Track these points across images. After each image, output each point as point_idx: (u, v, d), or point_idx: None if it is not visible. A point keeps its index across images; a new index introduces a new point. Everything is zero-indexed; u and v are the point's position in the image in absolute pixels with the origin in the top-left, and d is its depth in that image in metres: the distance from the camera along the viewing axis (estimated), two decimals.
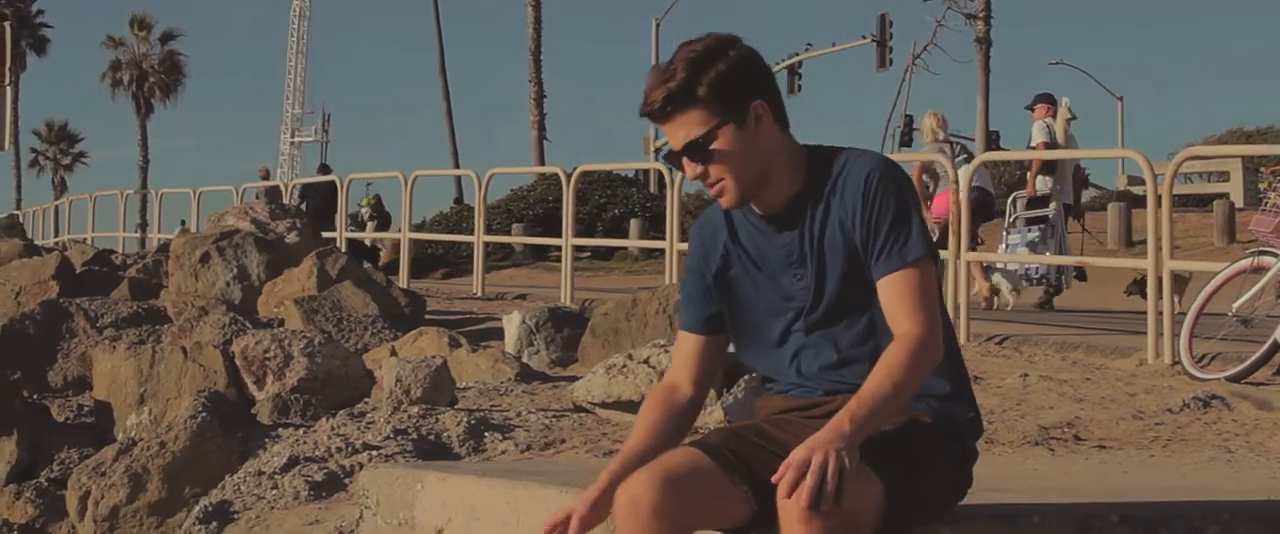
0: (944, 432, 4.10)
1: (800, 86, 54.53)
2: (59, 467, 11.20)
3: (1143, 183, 12.82)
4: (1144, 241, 11.70)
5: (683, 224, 16.14)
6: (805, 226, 4.06)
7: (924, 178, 17.04)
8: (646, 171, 42.36)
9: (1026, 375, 9.89)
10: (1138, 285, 16.54)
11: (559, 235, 19.18)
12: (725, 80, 3.97)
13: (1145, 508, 4.83)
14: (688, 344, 4.26)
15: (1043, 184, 16.93)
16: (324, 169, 34.42)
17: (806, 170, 4.07)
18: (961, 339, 11.98)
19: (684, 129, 4.00)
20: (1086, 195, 43.14)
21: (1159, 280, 10.86)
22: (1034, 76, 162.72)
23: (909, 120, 49.77)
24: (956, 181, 13.54)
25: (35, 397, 13.22)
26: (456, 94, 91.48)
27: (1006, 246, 16.81)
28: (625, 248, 31.43)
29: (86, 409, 12.72)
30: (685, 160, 4.04)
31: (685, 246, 4.19)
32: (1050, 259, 16.57)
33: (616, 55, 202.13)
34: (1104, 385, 9.62)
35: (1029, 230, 16.70)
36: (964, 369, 4.26)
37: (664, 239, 17.13)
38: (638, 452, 4.11)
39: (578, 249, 19.68)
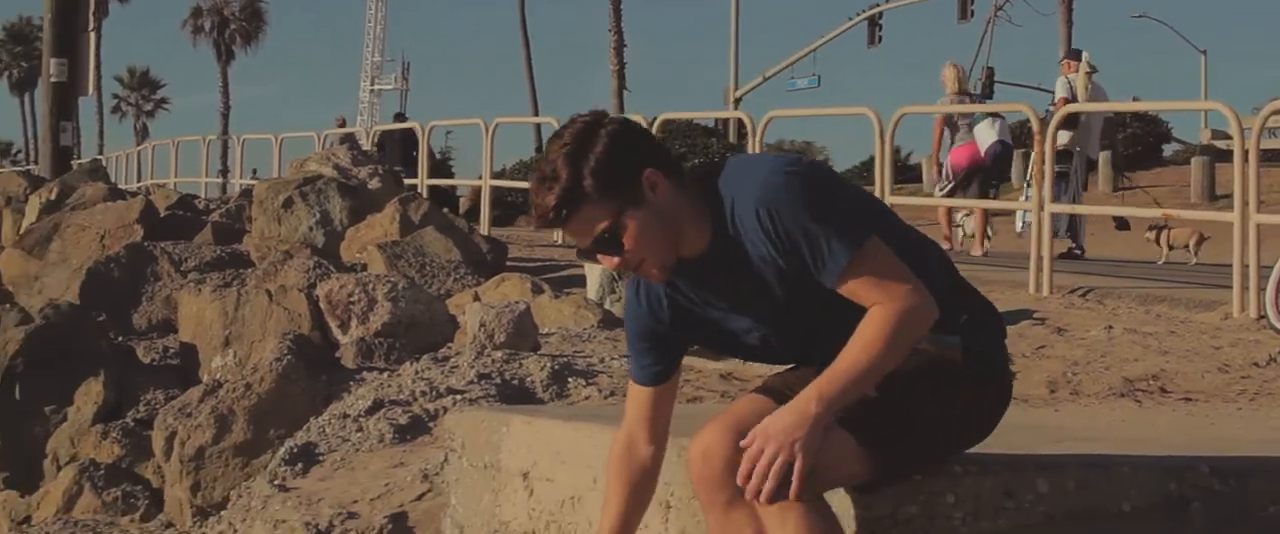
0: (940, 363, 4.01)
1: (881, 38, 54.28)
2: (145, 407, 11.30)
3: (1227, 137, 12.68)
4: (1228, 196, 11.59)
5: None
6: (732, 267, 3.94)
7: (945, 129, 17.15)
8: (726, 121, 42.32)
9: (1110, 328, 9.85)
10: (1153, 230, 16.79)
11: None
12: (608, 166, 3.82)
13: (1236, 461, 4.81)
14: (640, 396, 4.21)
15: (1062, 138, 16.89)
16: (399, 117, 34.46)
17: (710, 212, 3.92)
18: (1044, 291, 11.94)
19: (586, 227, 3.87)
20: (1169, 149, 42.94)
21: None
22: (1117, 29, 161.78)
23: (990, 72, 49.44)
24: (1048, 133, 13.44)
25: (121, 338, 13.33)
26: (536, 43, 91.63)
27: (1026, 199, 16.91)
28: None
29: (171, 351, 12.82)
30: (600, 256, 3.94)
31: None
32: (1127, 210, 16.57)
33: (696, 4, 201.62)
34: (1188, 338, 9.57)
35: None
36: (960, 293, 4.11)
37: None
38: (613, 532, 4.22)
39: None
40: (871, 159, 15.73)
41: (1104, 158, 32.61)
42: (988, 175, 17.44)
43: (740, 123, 29.55)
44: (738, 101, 49.07)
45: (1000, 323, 4.19)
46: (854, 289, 3.81)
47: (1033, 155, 17.80)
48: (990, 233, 17.99)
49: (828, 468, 3.79)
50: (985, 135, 16.99)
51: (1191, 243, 18.01)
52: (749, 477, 3.74)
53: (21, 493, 11.07)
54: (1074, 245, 16.84)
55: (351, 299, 11.09)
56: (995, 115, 17.37)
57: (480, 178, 22.40)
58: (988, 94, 47.01)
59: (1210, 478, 4.55)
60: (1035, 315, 10.37)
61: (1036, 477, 4.36)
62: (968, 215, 18.39)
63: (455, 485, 5.79)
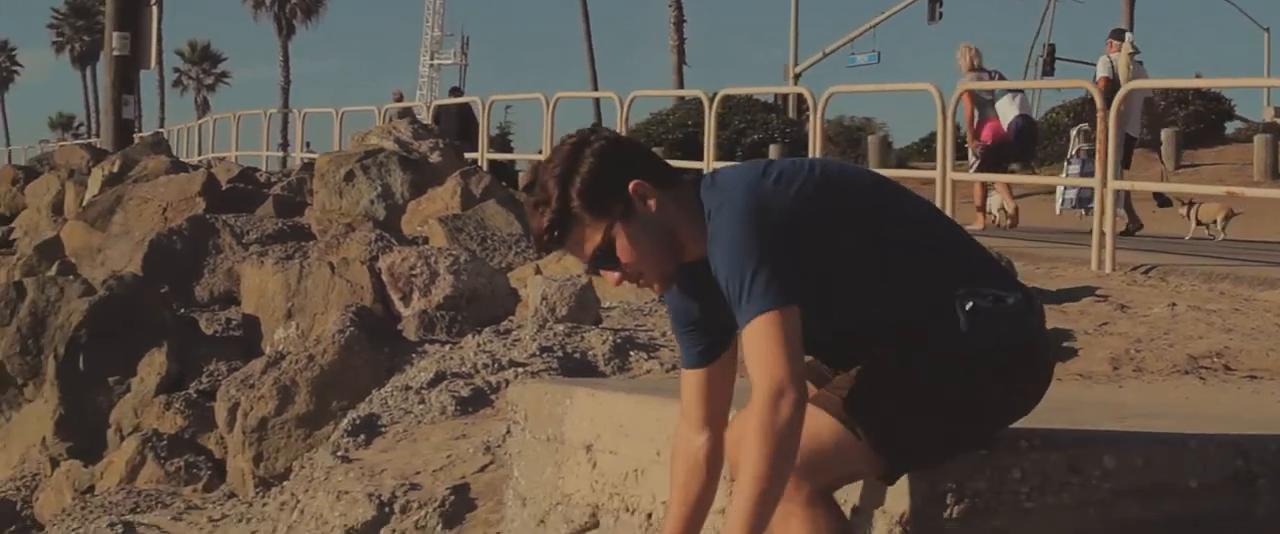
0: (939, 356, 3.91)
1: (941, 14, 53.99)
2: (208, 379, 11.38)
3: None
4: None
5: (825, 150, 16.10)
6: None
7: (974, 107, 17.21)
8: (786, 96, 42.26)
9: (1174, 305, 9.79)
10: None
11: (697, 159, 19.13)
12: (594, 183, 3.85)
13: None
14: (691, 381, 4.14)
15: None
16: (455, 92, 34.58)
17: (705, 219, 3.90)
18: (1107, 268, 11.88)
19: (581, 245, 3.90)
20: (1231, 127, 42.67)
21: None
22: (1179, 6, 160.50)
23: (1052, 49, 49.15)
24: (1111, 111, 13.38)
25: (183, 310, 13.42)
26: (596, 19, 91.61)
27: (1067, 175, 17.17)
28: None
29: (234, 323, 12.90)
30: (601, 272, 3.95)
31: None
32: (1198, 188, 16.55)
33: None
34: (1253, 316, 9.50)
35: (1087, 162, 16.92)
36: (972, 281, 3.97)
37: None
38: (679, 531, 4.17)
39: None
40: (931, 135, 15.75)
41: (1167, 136, 32.52)
42: (1012, 150, 17.54)
43: (800, 98, 29.48)
44: (798, 77, 48.90)
45: (1027, 304, 4.02)
46: (744, 348, 3.79)
47: (1074, 132, 17.98)
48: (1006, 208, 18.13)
49: (832, 467, 3.81)
50: (1007, 110, 17.16)
51: (1219, 218, 17.93)
52: None
53: (85, 462, 11.17)
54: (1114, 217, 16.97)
55: (413, 272, 11.13)
56: (1015, 91, 17.53)
57: (540, 152, 22.42)
58: (1049, 71, 46.87)
59: (1278, 455, 4.53)
60: (1098, 292, 10.31)
61: (1103, 452, 4.34)
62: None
63: (518, 457, 5.80)
